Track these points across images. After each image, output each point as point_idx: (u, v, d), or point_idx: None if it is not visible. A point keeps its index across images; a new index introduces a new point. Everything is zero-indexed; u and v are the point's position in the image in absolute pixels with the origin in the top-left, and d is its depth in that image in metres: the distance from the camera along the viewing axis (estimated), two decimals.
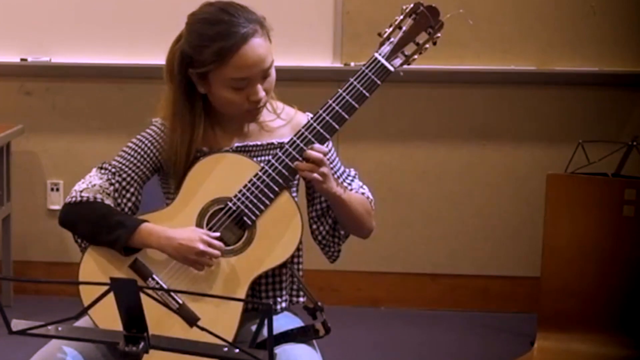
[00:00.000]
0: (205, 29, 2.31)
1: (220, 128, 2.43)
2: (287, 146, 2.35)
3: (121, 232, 2.28)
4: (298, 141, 2.35)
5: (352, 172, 2.54)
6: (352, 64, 4.60)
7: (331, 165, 2.47)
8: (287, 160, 2.34)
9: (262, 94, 2.34)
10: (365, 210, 2.47)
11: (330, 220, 2.48)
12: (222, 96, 2.34)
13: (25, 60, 4.71)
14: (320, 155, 2.34)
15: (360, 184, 2.52)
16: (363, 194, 2.50)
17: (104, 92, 4.74)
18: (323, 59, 4.63)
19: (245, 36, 2.29)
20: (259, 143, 2.44)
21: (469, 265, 4.77)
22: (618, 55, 4.59)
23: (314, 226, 2.49)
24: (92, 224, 2.32)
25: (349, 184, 2.50)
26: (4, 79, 4.75)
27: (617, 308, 4.01)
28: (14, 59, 4.72)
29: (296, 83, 4.24)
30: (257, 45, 2.30)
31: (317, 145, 2.34)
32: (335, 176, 2.46)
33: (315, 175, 2.33)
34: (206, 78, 2.34)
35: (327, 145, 2.44)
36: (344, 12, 4.62)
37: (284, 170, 2.34)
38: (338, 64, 4.63)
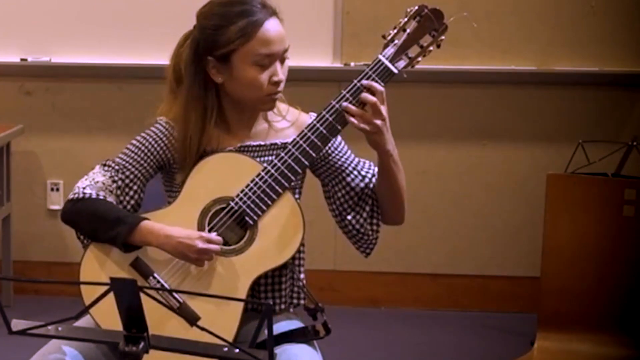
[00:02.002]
0: (227, 10, 2.34)
1: (226, 128, 2.43)
2: (289, 146, 2.35)
3: (121, 229, 2.28)
4: (301, 142, 2.35)
5: (367, 162, 2.53)
6: (352, 64, 4.60)
7: (344, 157, 2.47)
8: (289, 160, 2.35)
9: (282, 75, 2.36)
10: None
11: (368, 207, 2.48)
12: (245, 76, 2.34)
13: (25, 60, 4.71)
14: (374, 99, 2.33)
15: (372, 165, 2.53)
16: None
17: (104, 92, 4.74)
18: (323, 59, 4.63)
19: (265, 14, 2.33)
20: (262, 143, 2.44)
21: (469, 265, 4.77)
22: (618, 55, 4.60)
23: (350, 216, 2.47)
24: (92, 220, 2.32)
25: (367, 171, 2.49)
26: (4, 79, 4.75)
27: (617, 308, 4.01)
28: (14, 59, 4.72)
29: (296, 83, 4.24)
30: (275, 24, 2.35)
31: (374, 84, 2.33)
32: (351, 167, 2.47)
33: (363, 125, 2.33)
34: (228, 61, 2.34)
35: (335, 142, 2.45)
36: (344, 12, 4.62)
37: (286, 171, 2.34)
38: (338, 64, 4.63)
